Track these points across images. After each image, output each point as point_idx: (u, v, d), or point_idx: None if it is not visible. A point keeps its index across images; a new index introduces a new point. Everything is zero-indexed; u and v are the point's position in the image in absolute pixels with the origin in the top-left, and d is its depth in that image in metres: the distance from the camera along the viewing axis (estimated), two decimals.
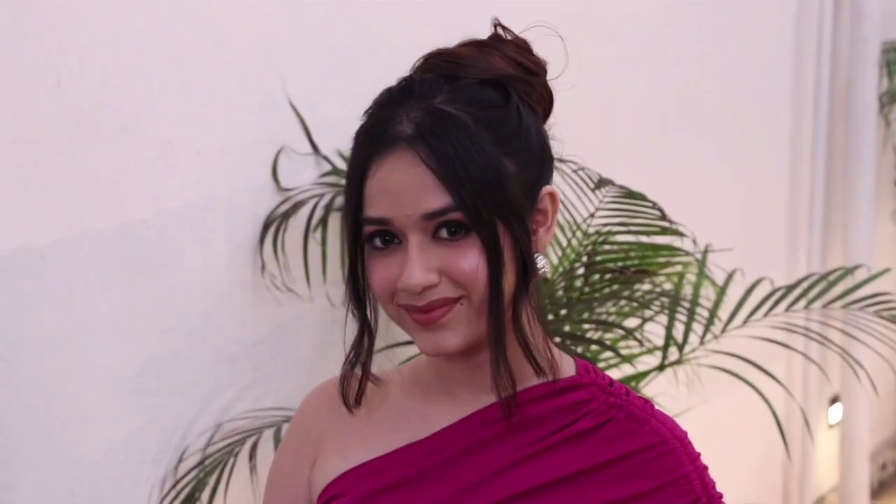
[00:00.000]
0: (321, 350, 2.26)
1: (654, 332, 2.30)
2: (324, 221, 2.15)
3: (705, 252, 2.36)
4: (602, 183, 2.20)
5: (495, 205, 1.13)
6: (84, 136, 1.87)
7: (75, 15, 1.84)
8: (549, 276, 1.48)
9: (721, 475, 1.31)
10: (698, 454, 1.23)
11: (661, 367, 2.27)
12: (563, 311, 2.18)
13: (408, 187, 1.12)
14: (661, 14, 3.13)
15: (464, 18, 2.32)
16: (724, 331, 2.32)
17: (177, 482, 2.04)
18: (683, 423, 1.27)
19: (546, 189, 1.19)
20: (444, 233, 1.13)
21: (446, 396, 1.24)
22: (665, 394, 2.27)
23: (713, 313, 2.30)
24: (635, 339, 2.19)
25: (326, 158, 2.22)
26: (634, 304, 2.24)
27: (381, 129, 1.15)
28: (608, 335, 2.24)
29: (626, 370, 2.29)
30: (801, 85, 3.74)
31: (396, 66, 1.23)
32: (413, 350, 1.69)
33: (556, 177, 1.25)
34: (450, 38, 1.22)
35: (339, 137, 2.12)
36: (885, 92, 3.97)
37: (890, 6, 3.95)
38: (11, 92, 1.78)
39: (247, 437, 2.09)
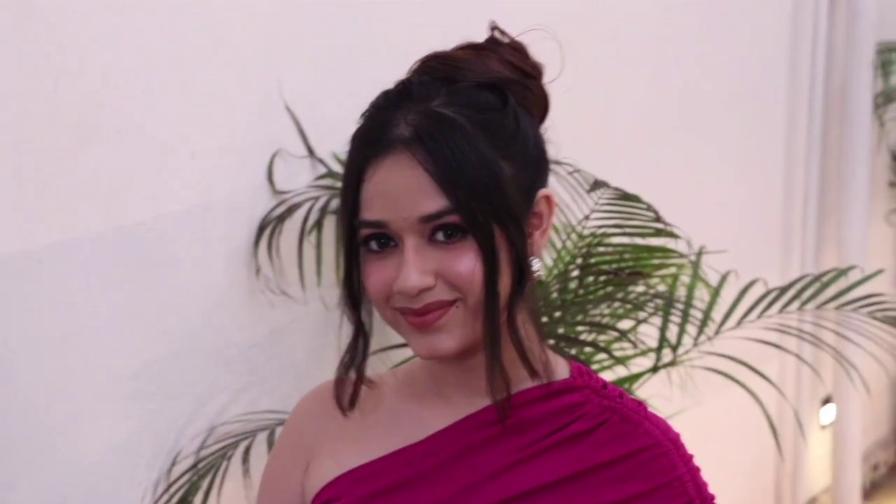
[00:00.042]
0: (315, 353, 2.25)
1: (648, 333, 2.30)
2: (319, 224, 2.14)
3: (699, 254, 2.37)
4: (597, 185, 2.21)
5: (492, 208, 1.13)
6: (82, 137, 1.86)
7: (74, 16, 1.83)
8: (543, 278, 1.48)
9: (714, 476, 1.32)
10: (691, 456, 1.23)
11: (654, 369, 2.27)
12: (558, 314, 2.18)
13: (405, 190, 1.12)
14: (661, 14, 3.12)
15: (463, 19, 2.33)
16: (717, 332, 2.32)
17: (169, 486, 2.03)
18: (676, 424, 1.28)
19: (542, 192, 1.20)
20: (440, 236, 1.13)
21: (440, 399, 1.24)
22: (658, 395, 2.27)
23: (707, 315, 2.30)
24: (629, 340, 2.19)
25: (322, 161, 2.22)
26: (628, 306, 2.24)
27: (378, 132, 1.15)
28: (602, 337, 2.24)
29: (620, 372, 2.30)
30: (797, 85, 3.73)
31: (396, 67, 1.23)
32: (407, 353, 1.69)
33: (551, 179, 1.25)
34: (449, 39, 1.22)
35: (339, 137, 2.12)
36: (879, 92, 3.96)
37: (885, 6, 3.95)
38: (10, 93, 1.77)
39: (240, 441, 2.08)
